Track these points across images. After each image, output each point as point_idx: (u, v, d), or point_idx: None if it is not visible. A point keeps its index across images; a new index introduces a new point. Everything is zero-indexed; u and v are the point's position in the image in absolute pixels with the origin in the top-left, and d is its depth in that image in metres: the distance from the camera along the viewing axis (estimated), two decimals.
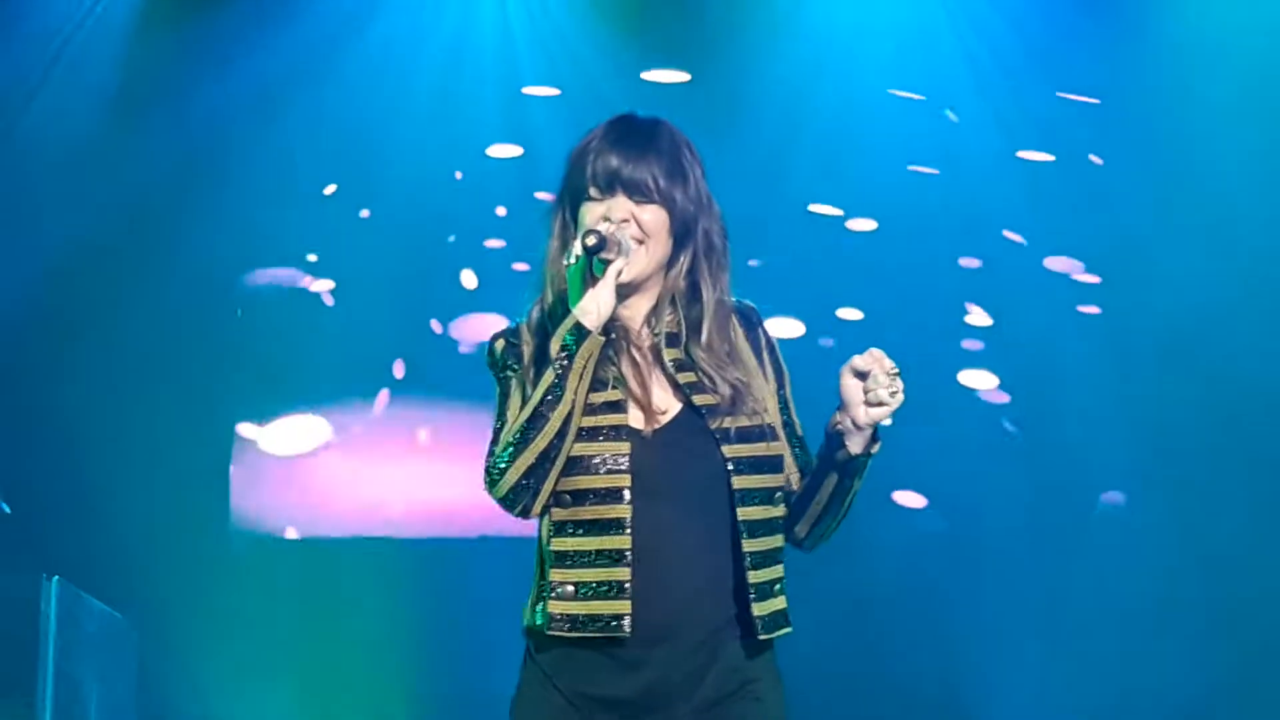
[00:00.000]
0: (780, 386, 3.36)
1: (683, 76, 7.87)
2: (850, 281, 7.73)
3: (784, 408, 3.36)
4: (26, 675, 6.49)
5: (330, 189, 7.94)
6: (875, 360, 3.15)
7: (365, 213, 7.95)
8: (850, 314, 7.73)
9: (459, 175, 7.92)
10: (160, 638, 7.51)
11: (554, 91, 7.82)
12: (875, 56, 7.79)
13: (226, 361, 7.93)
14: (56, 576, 6.62)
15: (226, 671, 7.64)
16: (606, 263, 3.19)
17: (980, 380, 7.70)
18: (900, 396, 3.15)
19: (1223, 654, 7.22)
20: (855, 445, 3.19)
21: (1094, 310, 7.60)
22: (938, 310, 7.70)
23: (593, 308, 3.19)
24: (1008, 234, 7.68)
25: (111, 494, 7.68)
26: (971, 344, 7.67)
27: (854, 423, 3.17)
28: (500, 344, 3.32)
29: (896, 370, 3.14)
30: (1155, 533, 7.37)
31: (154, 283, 7.86)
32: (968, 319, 7.72)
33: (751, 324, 3.38)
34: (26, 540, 7.37)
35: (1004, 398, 7.68)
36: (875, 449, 3.22)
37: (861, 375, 3.15)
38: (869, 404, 3.14)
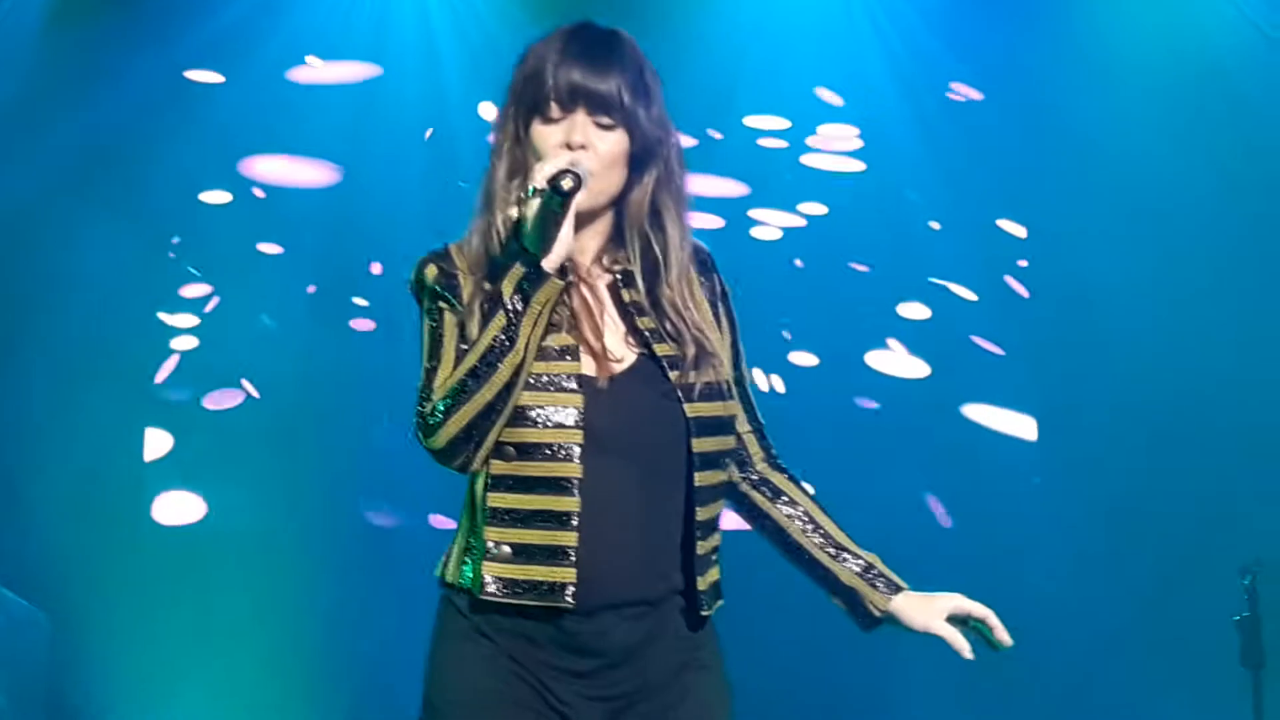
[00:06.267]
0: (735, 339, 3.12)
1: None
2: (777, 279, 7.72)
3: (737, 362, 3.11)
4: None
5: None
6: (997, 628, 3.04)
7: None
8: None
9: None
10: (75, 632, 7.43)
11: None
12: (798, 54, 7.80)
13: (145, 355, 7.85)
14: None
15: (140, 667, 7.55)
16: (569, 197, 2.87)
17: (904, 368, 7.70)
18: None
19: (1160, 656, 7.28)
20: (875, 611, 3.08)
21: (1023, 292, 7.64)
22: (860, 307, 7.71)
23: (552, 247, 2.89)
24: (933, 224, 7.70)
25: (31, 488, 7.61)
26: (894, 344, 7.68)
27: (908, 624, 3.07)
28: (432, 270, 3.00)
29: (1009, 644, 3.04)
30: (1077, 522, 7.40)
31: (72, 275, 7.78)
32: (899, 309, 7.70)
33: (707, 269, 3.12)
34: None
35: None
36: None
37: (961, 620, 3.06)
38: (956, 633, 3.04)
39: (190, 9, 7.77)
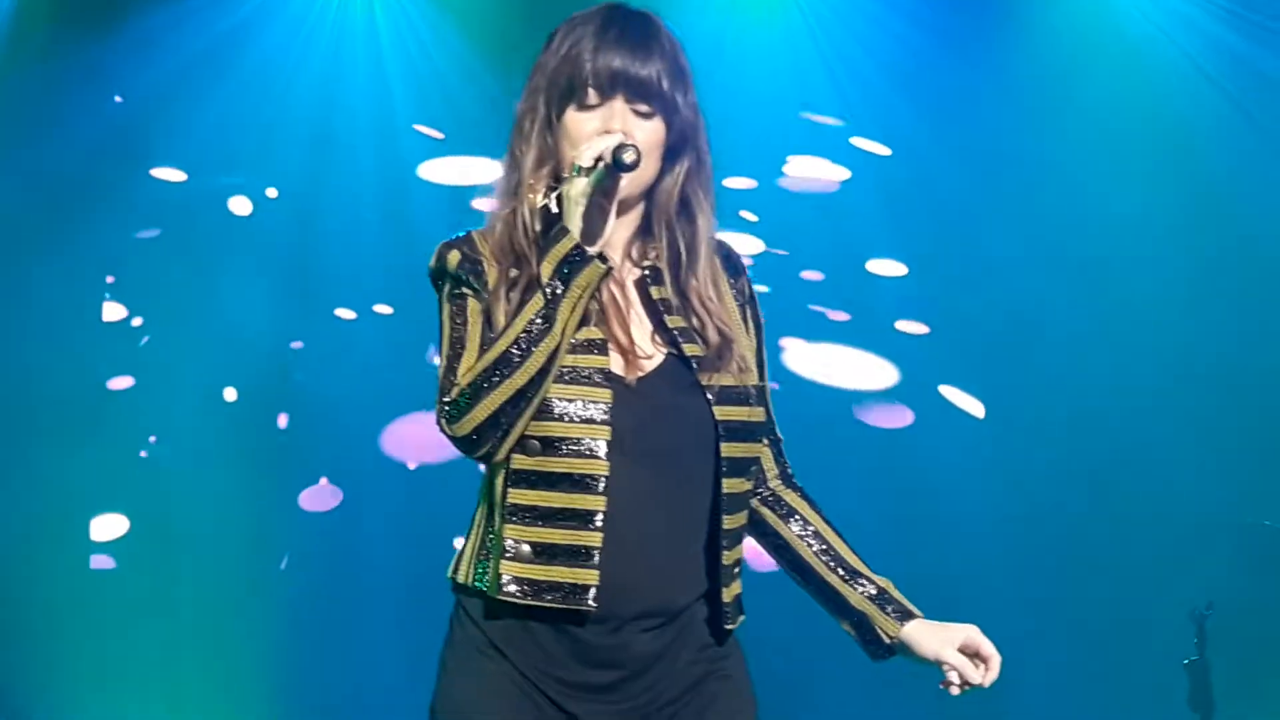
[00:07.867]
0: (760, 346, 3.01)
1: None
2: None
3: (761, 369, 2.99)
4: None
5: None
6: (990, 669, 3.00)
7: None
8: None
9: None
10: (17, 659, 7.41)
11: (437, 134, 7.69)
12: (744, 68, 7.80)
13: (87, 380, 7.75)
14: None
15: (86, 695, 7.50)
16: (629, 171, 2.77)
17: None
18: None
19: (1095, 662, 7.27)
20: (885, 637, 3.00)
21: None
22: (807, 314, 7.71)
23: (596, 229, 2.78)
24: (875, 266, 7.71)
25: None
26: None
27: (918, 652, 3.00)
28: (455, 256, 2.87)
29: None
30: (1027, 564, 7.39)
31: (15, 303, 7.69)
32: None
33: (736, 269, 3.02)
34: None
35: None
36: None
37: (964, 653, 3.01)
38: (954, 679, 3.00)
39: (140, 45, 7.70)
